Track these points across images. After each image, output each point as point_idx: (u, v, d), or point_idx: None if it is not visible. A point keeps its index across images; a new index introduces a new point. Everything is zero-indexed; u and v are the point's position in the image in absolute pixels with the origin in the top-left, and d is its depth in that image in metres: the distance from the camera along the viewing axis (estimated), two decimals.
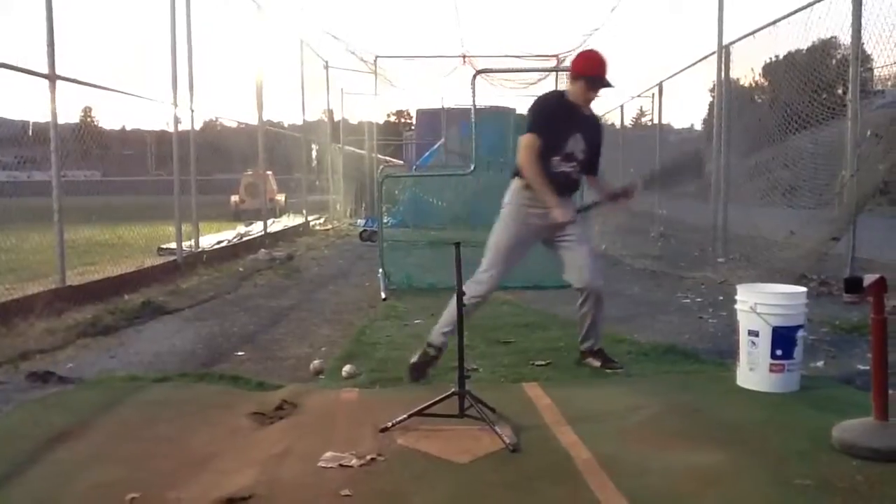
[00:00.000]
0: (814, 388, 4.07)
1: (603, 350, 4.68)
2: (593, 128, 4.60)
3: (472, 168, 8.67)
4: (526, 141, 4.40)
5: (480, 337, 5.43)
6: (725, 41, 9.69)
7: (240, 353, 5.30)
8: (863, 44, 6.77)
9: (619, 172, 16.25)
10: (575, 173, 4.54)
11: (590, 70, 4.46)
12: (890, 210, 11.74)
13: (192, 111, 9.76)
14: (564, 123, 4.44)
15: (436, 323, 4.55)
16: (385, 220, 10.31)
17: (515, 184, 4.55)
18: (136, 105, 8.58)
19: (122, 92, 7.99)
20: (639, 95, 15.05)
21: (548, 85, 19.68)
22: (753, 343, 4.01)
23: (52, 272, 6.69)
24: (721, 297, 7.00)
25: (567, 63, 17.05)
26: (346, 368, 4.57)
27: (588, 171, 4.64)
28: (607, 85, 4.46)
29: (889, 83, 7.62)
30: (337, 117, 21.75)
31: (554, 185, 4.41)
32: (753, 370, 4.04)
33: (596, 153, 4.62)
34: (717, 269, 8.76)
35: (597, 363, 4.61)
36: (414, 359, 4.45)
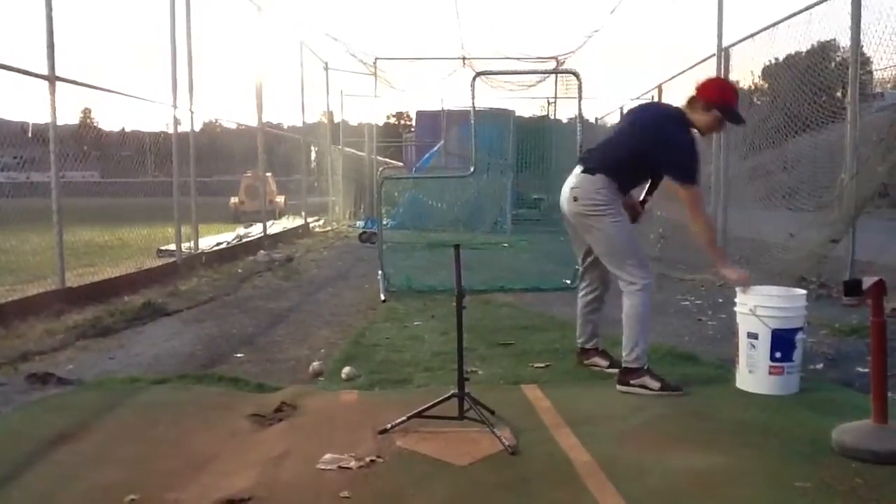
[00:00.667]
0: (813, 390, 4.07)
1: (606, 351, 4.69)
2: None
3: (471, 170, 8.67)
4: (699, 194, 4.26)
5: (480, 339, 5.43)
6: (725, 44, 9.70)
7: (239, 355, 5.30)
8: (862, 46, 6.78)
9: None
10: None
11: (729, 102, 4.22)
12: (889, 212, 11.74)
13: (192, 113, 9.76)
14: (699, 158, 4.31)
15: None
16: (384, 222, 10.32)
17: (603, 182, 4.22)
18: (136, 106, 8.58)
19: (121, 93, 8.00)
20: (638, 97, 15.05)
21: (547, 87, 19.68)
22: (753, 345, 4.02)
23: (52, 273, 6.69)
24: (720, 300, 7.00)
25: (566, 65, 17.12)
26: (346, 370, 4.57)
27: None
28: (740, 121, 4.34)
29: (889, 85, 7.62)
30: (337, 119, 21.79)
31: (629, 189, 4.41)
32: (753, 372, 4.04)
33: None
34: (716, 272, 8.74)
35: (603, 363, 4.62)
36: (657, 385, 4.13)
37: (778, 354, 3.96)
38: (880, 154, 6.57)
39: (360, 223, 16.45)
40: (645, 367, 4.15)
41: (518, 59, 16.12)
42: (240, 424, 3.67)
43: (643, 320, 4.23)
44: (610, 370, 4.55)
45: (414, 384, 4.37)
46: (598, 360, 4.65)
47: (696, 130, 4.27)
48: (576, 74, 8.29)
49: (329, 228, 17.57)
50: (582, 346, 4.72)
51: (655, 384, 4.07)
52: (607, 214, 4.20)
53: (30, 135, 7.06)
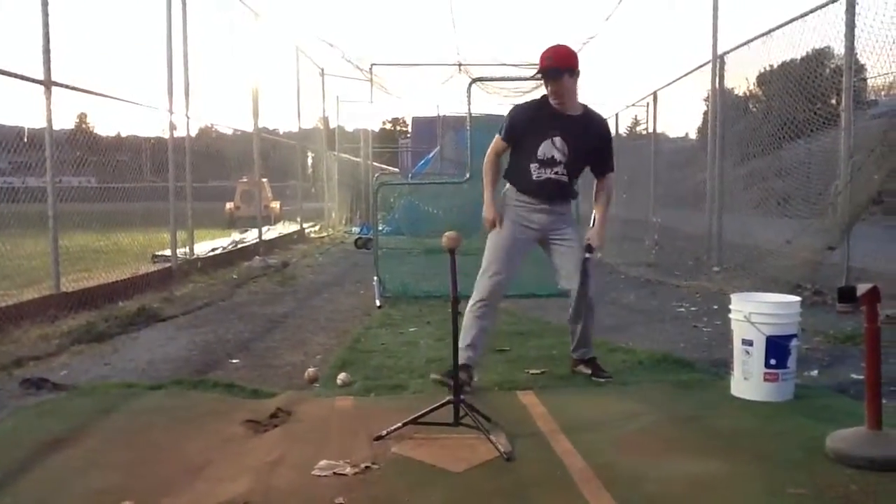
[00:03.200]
0: (808, 397, 4.07)
1: (595, 359, 4.67)
2: (581, 128, 4.39)
3: (467, 176, 8.68)
4: (492, 144, 4.54)
5: None
6: (720, 51, 9.74)
7: (234, 361, 5.29)
8: (856, 54, 6.81)
9: (614, 180, 16.28)
10: (565, 178, 4.42)
11: (539, 66, 4.33)
12: (885, 219, 11.77)
13: (188, 118, 9.77)
14: (536, 127, 4.36)
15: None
16: (380, 228, 10.33)
17: (508, 186, 4.59)
18: (132, 111, 8.58)
19: (117, 98, 7.99)
20: (633, 104, 15.10)
21: (543, 93, 19.70)
22: (748, 352, 4.03)
23: (47, 278, 6.68)
24: (716, 306, 7.01)
25: None
26: (341, 376, 4.57)
27: (576, 174, 4.52)
28: (547, 75, 4.28)
29: (883, 93, 7.65)
30: (332, 125, 21.81)
31: (543, 192, 4.42)
32: (748, 379, 4.05)
33: (585, 156, 4.47)
34: (711, 278, 8.78)
35: (587, 371, 4.61)
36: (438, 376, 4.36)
37: (773, 361, 3.97)
38: (875, 161, 6.60)
39: (355, 229, 16.47)
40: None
41: (514, 65, 16.13)
42: (235, 430, 3.67)
43: (464, 326, 4.33)
44: (595, 378, 4.54)
45: (409, 390, 4.36)
46: (582, 367, 4.64)
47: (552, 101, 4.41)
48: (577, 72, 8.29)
49: (325, 234, 17.57)
50: (570, 353, 4.72)
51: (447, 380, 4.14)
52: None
53: (25, 140, 7.04)
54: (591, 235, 4.47)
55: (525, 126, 4.42)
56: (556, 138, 4.35)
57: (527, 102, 4.66)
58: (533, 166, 4.39)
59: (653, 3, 13.51)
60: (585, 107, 4.48)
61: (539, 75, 4.33)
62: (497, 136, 4.51)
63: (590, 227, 4.54)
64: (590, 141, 4.45)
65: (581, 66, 4.38)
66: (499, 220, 4.47)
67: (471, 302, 4.43)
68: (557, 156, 4.37)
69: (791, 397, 4.03)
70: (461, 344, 4.24)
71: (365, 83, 18.46)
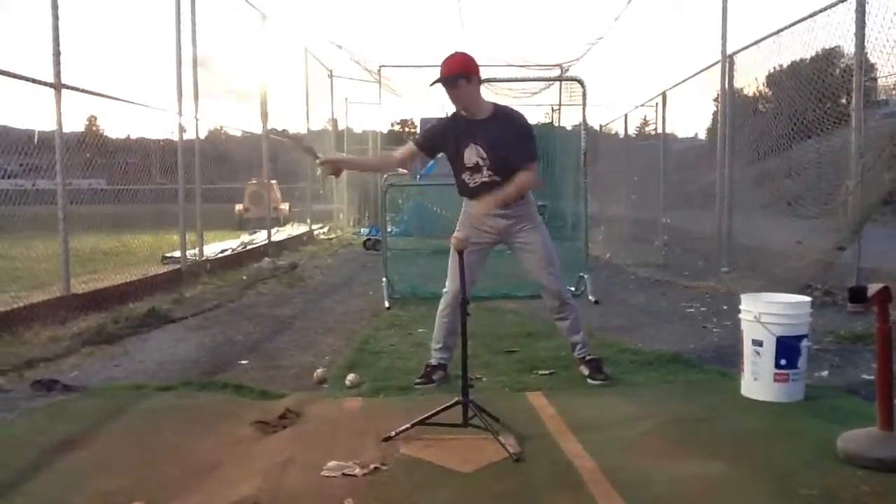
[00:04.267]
0: (818, 397, 4.05)
1: (597, 360, 4.65)
2: (494, 128, 4.38)
3: None
4: (401, 150, 4.71)
5: (484, 346, 5.43)
6: (729, 51, 9.70)
7: (243, 362, 5.30)
8: (867, 53, 6.77)
9: (623, 181, 16.28)
10: (499, 178, 4.39)
11: (439, 76, 4.40)
12: (895, 220, 11.72)
13: (197, 120, 9.79)
14: (454, 140, 4.42)
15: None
16: (389, 229, 10.32)
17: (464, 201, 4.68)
18: (141, 114, 8.63)
19: (127, 101, 8.03)
20: (642, 105, 15.06)
21: (551, 94, 19.72)
22: (757, 353, 4.01)
23: (57, 280, 6.71)
24: (725, 307, 6.99)
25: (570, 72, 17.15)
26: (350, 377, 4.57)
27: (507, 173, 4.41)
28: (443, 84, 4.33)
29: (894, 92, 7.61)
30: (341, 126, 21.80)
31: (484, 197, 4.42)
32: (757, 380, 4.03)
33: (507, 153, 4.37)
34: (721, 279, 8.75)
35: (585, 371, 4.59)
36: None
37: (783, 362, 3.95)
38: (886, 161, 6.56)
39: (364, 230, 16.47)
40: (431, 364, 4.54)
41: (522, 66, 16.13)
42: (244, 431, 3.67)
43: (435, 326, 4.58)
44: (590, 380, 4.52)
45: (418, 391, 4.36)
46: (582, 368, 4.64)
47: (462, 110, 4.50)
48: (580, 82, 8.29)
49: (333, 236, 17.59)
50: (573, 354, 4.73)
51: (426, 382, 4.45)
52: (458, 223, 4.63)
53: (36, 142, 7.08)
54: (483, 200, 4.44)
55: (442, 139, 4.49)
56: (473, 145, 4.39)
57: (440, 118, 4.76)
58: (465, 175, 4.47)
59: (662, 4, 13.48)
60: (495, 105, 4.52)
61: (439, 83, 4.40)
62: (405, 147, 4.65)
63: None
64: (504, 137, 4.38)
65: (476, 71, 4.38)
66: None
67: (440, 306, 4.57)
68: (480, 161, 4.41)
69: (801, 398, 4.01)
70: (433, 345, 4.54)
71: (373, 85, 18.48)
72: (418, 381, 4.47)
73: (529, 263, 4.55)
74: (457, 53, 4.42)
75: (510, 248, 4.64)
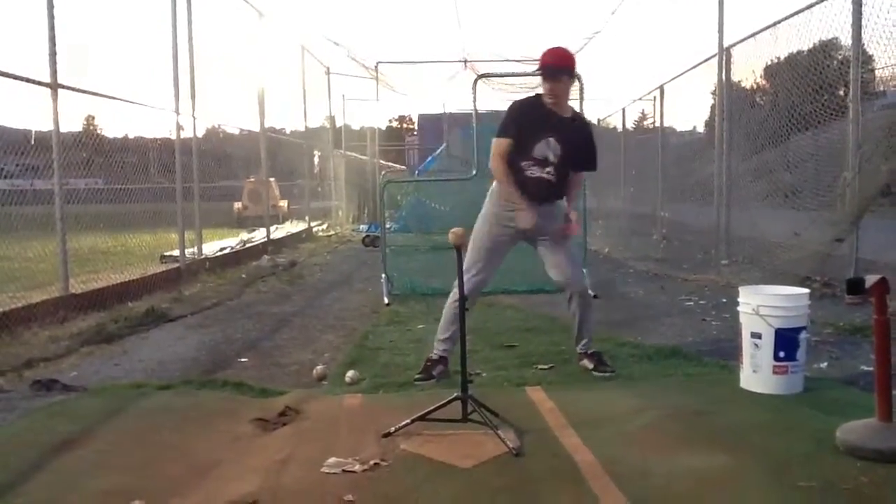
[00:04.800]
0: (817, 389, 4.06)
1: (598, 353, 4.67)
2: (572, 131, 4.48)
3: (473, 172, 8.67)
4: (493, 144, 4.46)
5: (483, 341, 5.43)
6: (726, 43, 9.69)
7: (243, 360, 5.30)
8: (863, 45, 6.77)
9: (621, 175, 16.27)
10: (554, 178, 4.47)
11: (540, 64, 4.45)
12: (893, 211, 11.71)
13: (195, 118, 9.78)
14: (534, 126, 4.40)
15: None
16: (387, 226, 10.32)
17: (493, 186, 4.64)
18: (139, 113, 8.61)
19: (124, 100, 8.02)
20: (640, 99, 15.06)
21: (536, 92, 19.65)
22: (756, 345, 4.01)
23: (56, 280, 6.70)
24: (724, 300, 6.99)
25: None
26: (349, 374, 4.58)
27: (564, 176, 4.53)
28: (547, 73, 4.37)
29: (891, 84, 7.60)
30: (339, 123, 21.82)
31: (532, 190, 4.44)
32: (756, 372, 4.04)
33: (576, 157, 4.51)
34: (720, 272, 8.75)
35: (589, 365, 4.62)
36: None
37: (781, 354, 3.95)
38: (883, 153, 6.56)
39: (363, 227, 16.47)
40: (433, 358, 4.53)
41: (520, 61, 16.11)
42: (244, 429, 3.68)
43: (444, 313, 4.58)
44: (595, 373, 4.55)
45: (417, 387, 4.37)
46: (585, 362, 4.65)
47: (547, 101, 4.48)
48: (577, 76, 8.27)
49: (332, 233, 17.59)
50: (575, 347, 4.74)
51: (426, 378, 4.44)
52: (482, 211, 4.66)
53: (32, 142, 7.07)
54: (568, 224, 4.51)
55: (524, 124, 4.45)
56: (550, 139, 4.41)
57: (525, 99, 4.65)
58: (526, 164, 4.44)
59: None
60: (573, 110, 4.60)
61: (539, 72, 4.42)
62: (497, 138, 4.46)
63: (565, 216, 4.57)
64: (579, 144, 4.51)
65: (577, 71, 4.51)
66: (488, 218, 4.57)
67: (451, 298, 4.51)
68: (551, 156, 4.43)
69: (800, 390, 4.01)
70: (439, 336, 4.51)
71: (371, 81, 18.44)
72: (418, 376, 4.47)
73: (557, 259, 4.55)
74: (562, 48, 4.49)
75: (533, 242, 4.63)
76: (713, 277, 8.50)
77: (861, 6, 6.61)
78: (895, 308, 5.59)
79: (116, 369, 5.08)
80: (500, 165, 4.42)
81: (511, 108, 4.58)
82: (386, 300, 7.47)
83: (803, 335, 4.01)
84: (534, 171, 4.43)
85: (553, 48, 4.45)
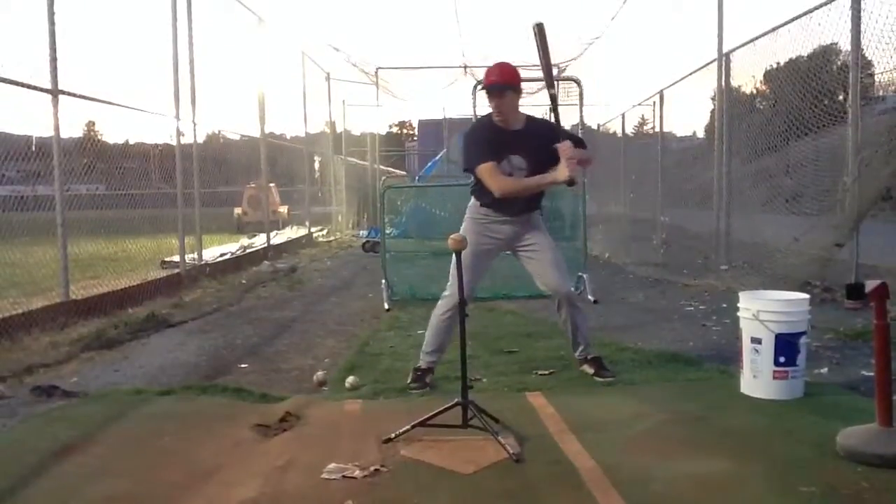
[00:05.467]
0: (818, 394, 4.06)
1: (598, 358, 4.67)
2: (531, 138, 4.39)
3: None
4: (481, 173, 4.33)
5: (483, 347, 5.44)
6: (725, 49, 9.71)
7: (243, 366, 5.30)
8: (863, 49, 6.78)
9: (621, 180, 16.28)
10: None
11: (484, 82, 4.46)
12: (894, 215, 11.72)
13: (195, 124, 9.79)
14: (495, 148, 4.36)
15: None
16: (388, 231, 10.34)
17: (472, 201, 4.63)
18: (140, 119, 8.62)
19: (124, 106, 8.03)
20: (640, 104, 15.07)
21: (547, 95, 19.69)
22: (756, 350, 4.01)
23: (56, 286, 6.70)
24: (725, 305, 6.98)
25: (567, 72, 17.17)
26: (350, 380, 4.58)
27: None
28: (492, 91, 4.33)
29: (891, 89, 7.62)
30: (339, 129, 21.81)
31: (507, 209, 4.45)
32: (757, 377, 4.03)
33: (545, 159, 4.33)
34: (720, 277, 8.75)
35: (590, 371, 4.61)
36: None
37: (782, 359, 3.95)
38: (883, 157, 6.57)
39: (363, 232, 16.48)
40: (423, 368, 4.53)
41: (519, 66, 16.15)
42: (244, 435, 3.68)
43: (431, 325, 4.56)
44: (597, 378, 4.54)
45: (417, 393, 4.36)
46: (586, 367, 4.65)
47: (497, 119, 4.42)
48: (577, 81, 8.31)
49: (332, 238, 17.59)
50: (572, 354, 4.73)
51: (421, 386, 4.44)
52: (463, 225, 4.60)
53: (34, 148, 7.08)
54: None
55: (484, 146, 4.42)
56: (512, 157, 4.38)
57: (476, 124, 4.66)
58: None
59: (658, 3, 13.49)
60: (527, 116, 4.54)
61: (484, 90, 4.44)
62: (480, 166, 4.32)
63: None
64: (542, 145, 4.36)
65: (520, 83, 4.43)
66: (470, 230, 4.52)
67: (441, 310, 4.53)
68: (517, 173, 4.40)
69: (801, 395, 4.01)
70: (425, 349, 4.53)
71: (371, 87, 18.51)
72: (413, 385, 4.46)
73: (539, 267, 4.55)
74: (505, 64, 4.47)
75: (515, 254, 4.65)
76: (713, 282, 8.49)
77: (860, 11, 6.62)
78: None
79: (117, 375, 5.08)
80: (502, 181, 4.32)
81: (469, 136, 4.60)
82: (386, 306, 7.47)
83: (803, 340, 4.00)
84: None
85: (495, 65, 4.46)
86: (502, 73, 4.38)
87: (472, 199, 4.64)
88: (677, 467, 3.07)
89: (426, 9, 14.95)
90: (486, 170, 4.31)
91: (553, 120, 4.43)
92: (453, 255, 3.78)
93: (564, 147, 4.19)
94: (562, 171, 4.17)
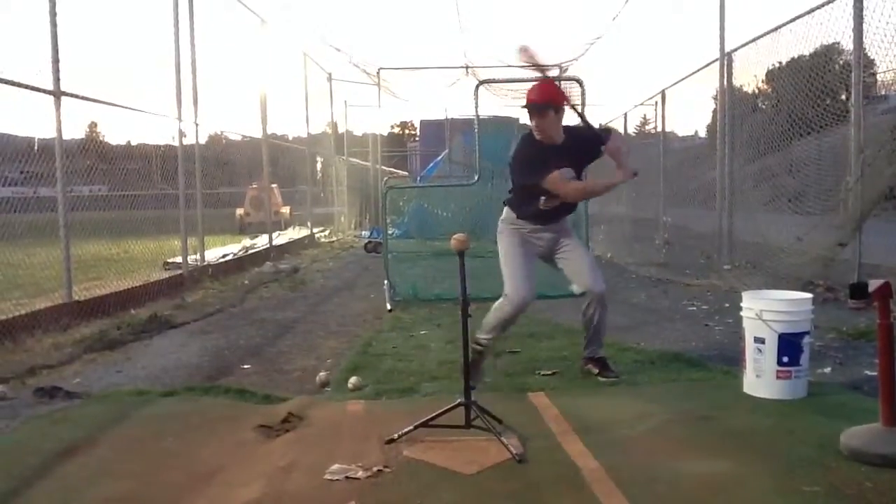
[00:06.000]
0: (821, 394, 4.05)
1: (604, 358, 4.68)
2: (573, 148, 4.49)
3: (475, 178, 8.70)
4: (551, 183, 4.37)
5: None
6: (728, 48, 9.70)
7: (246, 366, 5.30)
8: (865, 49, 6.76)
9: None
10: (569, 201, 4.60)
11: (526, 101, 4.53)
12: None
13: (197, 125, 9.80)
14: (539, 166, 4.42)
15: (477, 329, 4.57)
16: (390, 232, 10.34)
17: (507, 213, 4.74)
18: (142, 120, 8.63)
19: (126, 107, 8.04)
20: (642, 104, 15.05)
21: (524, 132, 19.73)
22: (760, 350, 4.01)
23: (59, 287, 6.72)
24: (727, 305, 6.98)
25: (569, 72, 17.18)
26: (352, 380, 4.57)
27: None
28: (530, 108, 4.43)
29: (893, 88, 7.61)
30: (341, 129, 21.83)
31: (544, 217, 4.56)
32: (760, 377, 4.03)
33: (586, 159, 4.61)
34: (722, 277, 8.74)
35: (595, 370, 4.62)
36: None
37: (785, 359, 3.95)
38: (886, 156, 6.56)
39: (365, 233, 16.48)
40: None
41: (521, 66, 16.15)
42: (247, 436, 3.67)
43: (495, 316, 4.53)
44: (601, 378, 4.55)
45: (420, 393, 4.37)
46: (591, 366, 4.66)
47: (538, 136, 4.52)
48: (579, 81, 8.29)
49: (335, 239, 17.60)
50: (583, 352, 4.75)
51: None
52: (501, 235, 4.71)
53: (36, 150, 7.09)
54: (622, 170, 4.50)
55: (530, 165, 4.49)
56: (562, 170, 4.41)
57: (522, 143, 4.65)
58: (542, 199, 4.49)
59: (660, 3, 13.47)
60: (566, 128, 4.58)
61: (526, 109, 4.50)
62: (548, 178, 4.35)
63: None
64: (584, 151, 4.55)
65: (563, 102, 4.48)
66: (512, 237, 4.65)
67: (507, 299, 4.50)
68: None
69: (804, 395, 4.01)
70: (483, 332, 4.51)
71: (373, 87, 18.49)
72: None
73: (578, 268, 4.63)
74: (547, 82, 4.58)
75: (551, 259, 4.71)
76: (716, 282, 8.49)
77: (862, 10, 6.62)
78: None
79: (119, 376, 5.08)
80: (571, 187, 4.46)
81: (519, 154, 4.61)
82: (388, 306, 7.47)
83: (807, 340, 4.00)
84: (550, 203, 4.48)
85: (537, 85, 4.52)
86: (543, 93, 4.45)
87: (507, 211, 4.72)
88: (681, 467, 3.07)
89: (428, 9, 14.95)
90: (553, 180, 4.37)
91: (583, 123, 4.53)
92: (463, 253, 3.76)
93: (614, 149, 4.42)
94: (625, 171, 4.44)
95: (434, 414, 3.48)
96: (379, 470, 3.10)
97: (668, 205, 13.25)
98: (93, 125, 9.74)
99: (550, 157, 4.42)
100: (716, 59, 9.89)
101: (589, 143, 4.51)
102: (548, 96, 4.44)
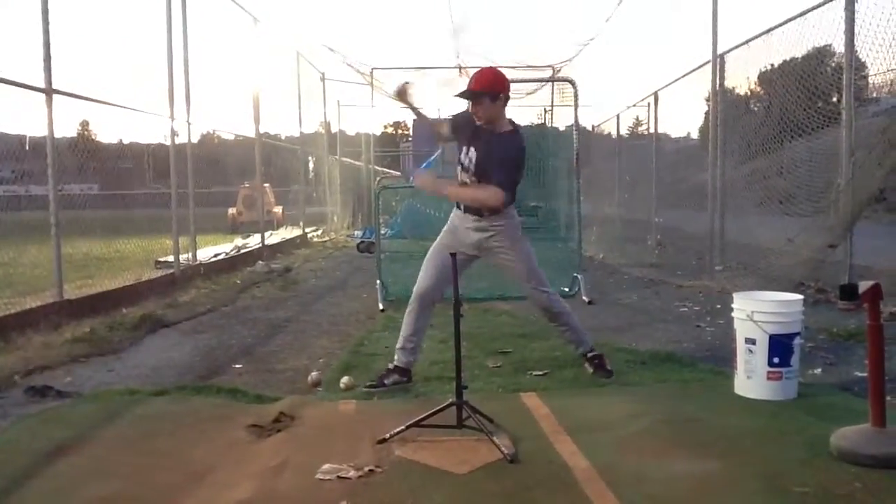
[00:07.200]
0: (811, 395, 4.07)
1: (599, 356, 4.70)
2: (492, 145, 4.37)
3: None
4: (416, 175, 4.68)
5: (478, 347, 5.44)
6: (720, 50, 9.72)
7: (237, 366, 5.29)
8: (857, 51, 6.80)
9: (616, 181, 16.30)
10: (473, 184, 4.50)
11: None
12: (887, 217, 11.76)
13: (189, 124, 9.78)
14: (463, 137, 4.50)
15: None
16: (382, 232, 10.32)
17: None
18: (134, 118, 8.59)
19: (119, 105, 8.01)
20: (634, 105, 15.09)
21: (544, 95, 19.77)
22: (751, 351, 4.02)
23: (50, 286, 6.68)
24: (719, 306, 7.00)
25: (562, 73, 17.22)
26: (344, 380, 4.57)
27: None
28: (466, 97, 4.42)
29: (884, 90, 7.64)
30: (334, 129, 21.79)
31: (464, 206, 4.57)
32: (751, 378, 4.04)
33: (486, 167, 4.39)
34: (714, 278, 8.76)
35: (589, 369, 4.65)
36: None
37: (776, 360, 3.96)
38: (877, 158, 6.59)
39: (358, 233, 16.46)
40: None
41: (514, 67, 16.16)
42: (238, 435, 3.67)
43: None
44: (595, 377, 4.57)
45: (412, 393, 4.37)
46: (586, 365, 4.68)
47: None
48: (572, 83, 8.33)
49: (327, 238, 17.57)
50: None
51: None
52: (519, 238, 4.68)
53: (27, 148, 7.07)
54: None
55: (463, 129, 4.53)
56: (471, 148, 4.43)
57: (467, 110, 4.66)
58: (458, 169, 4.54)
59: (652, 4, 13.50)
60: (511, 126, 4.50)
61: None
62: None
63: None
64: (492, 156, 4.37)
65: (503, 90, 4.39)
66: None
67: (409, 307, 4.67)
68: (467, 163, 4.46)
69: (795, 396, 4.02)
70: (397, 345, 4.60)
71: (366, 87, 18.47)
72: (369, 383, 4.49)
73: (515, 277, 4.67)
74: (487, 70, 4.55)
75: (489, 259, 4.67)
76: (707, 283, 8.51)
77: (854, 13, 6.65)
78: (888, 314, 5.64)
79: (111, 375, 5.06)
80: (418, 175, 4.81)
81: (460, 113, 4.74)
82: (381, 306, 7.47)
83: (797, 341, 4.01)
84: (460, 178, 4.52)
85: (479, 70, 4.53)
86: (478, 81, 4.41)
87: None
88: (671, 467, 3.08)
89: (421, 9, 14.95)
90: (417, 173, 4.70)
91: (506, 154, 4.40)
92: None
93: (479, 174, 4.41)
94: (450, 192, 4.58)
95: (426, 414, 3.49)
96: (370, 470, 3.10)
97: (660, 206, 13.29)
98: (84, 123, 9.70)
99: (473, 132, 4.45)
100: (708, 61, 9.91)
101: (500, 157, 4.37)
102: (480, 84, 4.38)
